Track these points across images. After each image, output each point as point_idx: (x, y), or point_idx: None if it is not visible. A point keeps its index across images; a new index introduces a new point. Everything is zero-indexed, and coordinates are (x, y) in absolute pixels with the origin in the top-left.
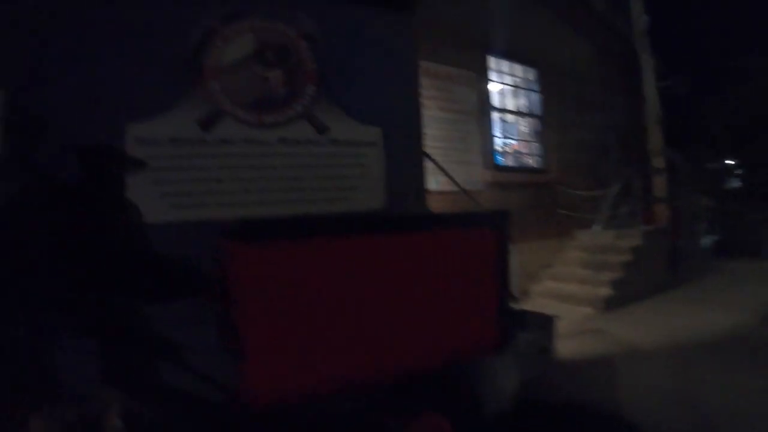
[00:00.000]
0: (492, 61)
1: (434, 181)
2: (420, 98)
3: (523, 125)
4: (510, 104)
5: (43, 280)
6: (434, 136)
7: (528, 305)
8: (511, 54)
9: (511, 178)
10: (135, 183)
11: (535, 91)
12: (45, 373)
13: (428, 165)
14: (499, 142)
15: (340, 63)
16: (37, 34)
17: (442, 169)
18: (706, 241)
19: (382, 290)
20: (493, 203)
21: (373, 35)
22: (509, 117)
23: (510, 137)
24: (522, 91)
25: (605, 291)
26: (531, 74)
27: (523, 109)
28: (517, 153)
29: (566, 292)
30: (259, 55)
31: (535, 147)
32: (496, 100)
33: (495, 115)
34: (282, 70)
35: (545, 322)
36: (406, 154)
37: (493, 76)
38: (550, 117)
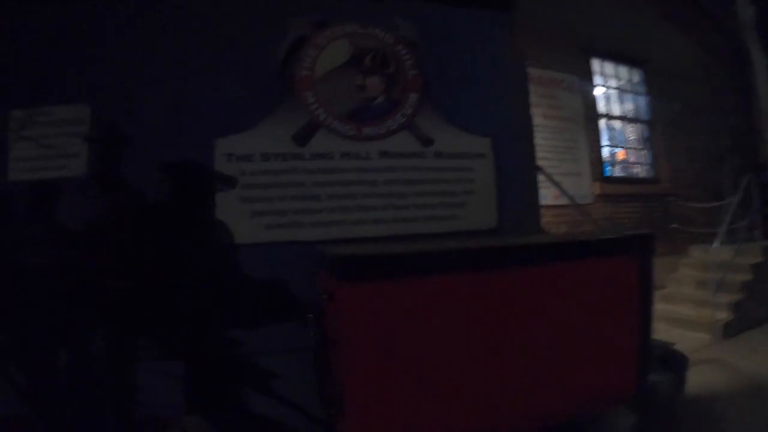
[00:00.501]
0: (595, 64)
1: (541, 195)
2: (529, 104)
3: (630, 131)
4: (615, 109)
5: (128, 300)
6: (539, 145)
7: None
8: (614, 55)
9: (619, 189)
10: (225, 201)
11: (641, 94)
12: (128, 395)
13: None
14: (606, 151)
15: (442, 68)
16: (124, 49)
17: (554, 182)
18: None
19: (506, 332)
20: (602, 218)
21: (474, 38)
22: (615, 123)
23: (617, 145)
24: (627, 95)
25: (724, 314)
26: (636, 76)
27: (629, 114)
28: (624, 162)
29: (679, 315)
30: (355, 62)
31: (644, 155)
32: (601, 106)
33: (601, 122)
34: (380, 77)
35: (678, 361)
36: (517, 166)
37: (597, 79)
38: (658, 122)
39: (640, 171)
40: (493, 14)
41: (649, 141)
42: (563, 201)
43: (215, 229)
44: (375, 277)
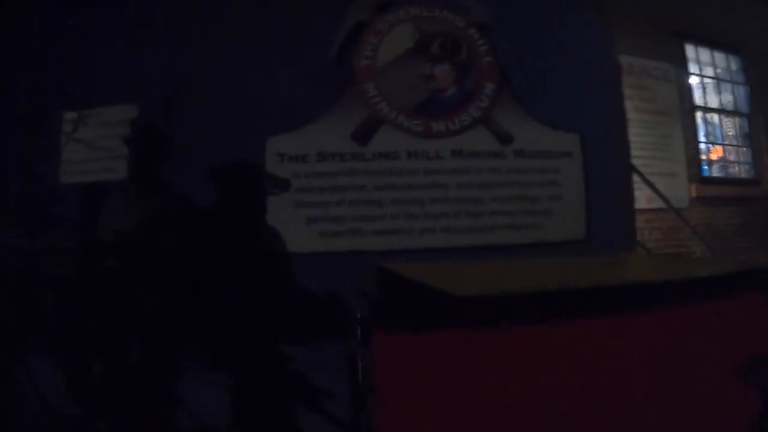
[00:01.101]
0: (689, 50)
1: None
2: (622, 95)
3: (728, 126)
4: (712, 101)
5: (176, 310)
6: (631, 142)
7: None
8: (709, 41)
9: (718, 191)
10: (277, 206)
11: (739, 83)
12: (171, 405)
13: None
14: (703, 148)
15: (521, 55)
16: (171, 43)
17: (649, 184)
18: None
19: (602, 394)
20: (699, 224)
21: (558, 20)
22: (711, 117)
23: (714, 142)
24: (725, 85)
25: None
26: (733, 63)
27: (728, 107)
28: (722, 160)
29: None
30: (422, 48)
31: (743, 152)
32: (697, 97)
33: (698, 116)
34: (451, 65)
35: None
36: (610, 166)
37: (691, 67)
38: (760, 115)
39: (739, 170)
40: None
41: (749, 136)
42: (656, 204)
43: (266, 236)
44: (421, 329)
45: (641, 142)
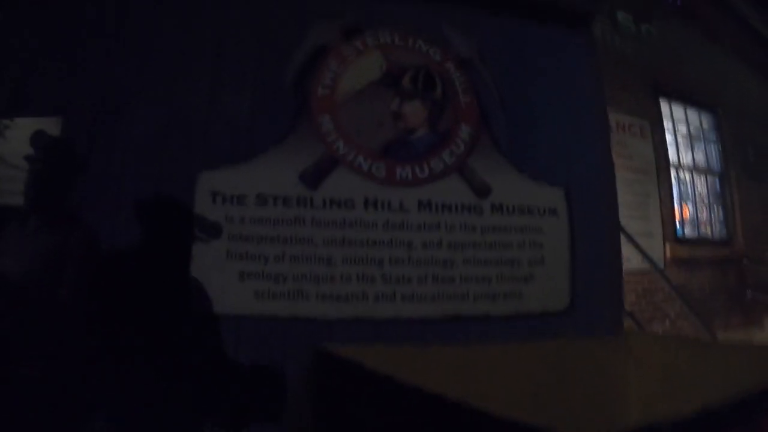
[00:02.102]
0: (665, 107)
1: None
2: (610, 148)
3: (700, 184)
4: (685, 159)
5: (69, 381)
6: None
7: None
8: (684, 98)
9: (692, 252)
10: (205, 255)
11: (711, 141)
12: None
13: None
14: (677, 207)
15: (504, 97)
16: (108, 53)
17: (636, 246)
18: None
19: None
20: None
21: (545, 60)
22: (684, 175)
23: (687, 200)
24: (698, 143)
25: None
26: (706, 121)
27: (700, 165)
28: (694, 220)
29: None
30: (391, 81)
31: (715, 211)
32: (671, 155)
33: (672, 173)
34: (423, 102)
35: None
36: (597, 225)
37: (667, 124)
38: (731, 172)
39: (712, 230)
40: (568, 33)
41: (721, 195)
42: (631, 265)
43: (188, 292)
44: None
45: (620, 201)
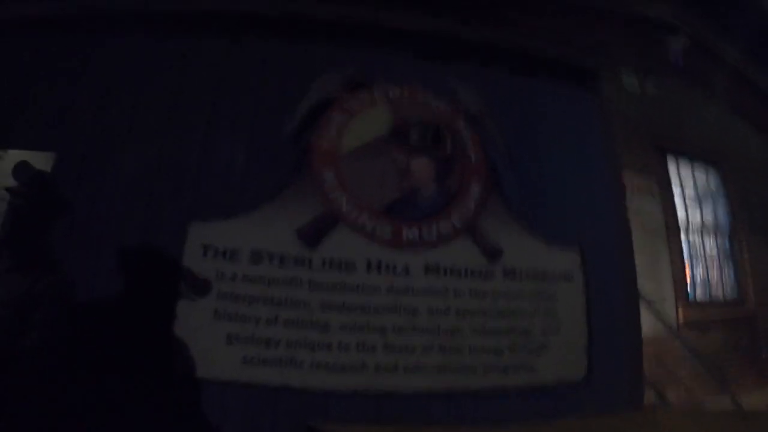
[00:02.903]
0: (671, 166)
1: None
2: (626, 209)
3: (709, 244)
4: (693, 218)
5: None
6: None
7: None
8: (690, 155)
9: (705, 314)
10: (191, 313)
11: (718, 199)
12: None
13: None
14: (687, 269)
15: (516, 155)
16: (97, 94)
17: (655, 311)
18: None
19: None
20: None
21: (557, 117)
22: (692, 235)
23: (697, 260)
24: (705, 202)
25: None
26: (712, 180)
27: (709, 224)
28: (705, 281)
29: None
30: (398, 136)
31: (726, 271)
32: (680, 214)
33: (681, 234)
34: (431, 159)
35: None
36: (614, 291)
37: (673, 183)
38: (739, 231)
39: (723, 291)
40: (577, 89)
41: (730, 255)
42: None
43: (169, 352)
44: None
45: None
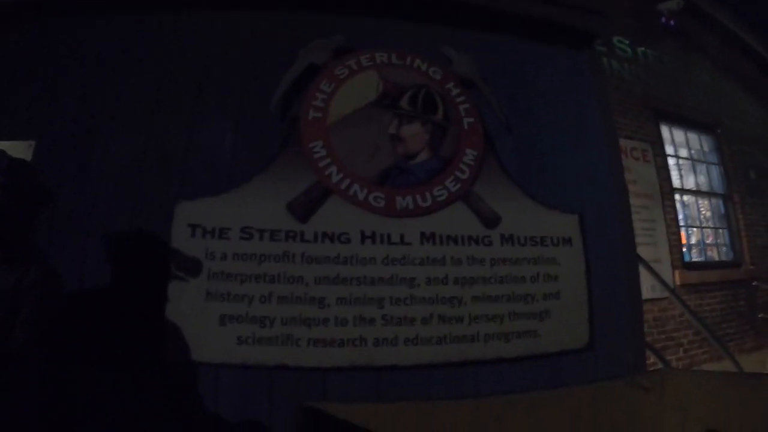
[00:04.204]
0: (665, 131)
1: None
2: (622, 170)
3: (704, 208)
4: (688, 182)
5: None
6: None
7: None
8: (685, 121)
9: (701, 277)
10: (182, 295)
11: (713, 163)
12: None
13: None
14: (683, 232)
15: (511, 119)
16: (78, 79)
17: (654, 274)
18: None
19: None
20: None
21: (553, 81)
22: (687, 198)
23: (692, 224)
24: (699, 166)
25: None
26: (707, 144)
27: (703, 188)
28: (700, 244)
29: None
30: (388, 103)
31: (720, 234)
32: (675, 179)
33: (676, 198)
34: (424, 125)
35: None
36: (614, 254)
37: (668, 148)
38: (735, 195)
39: (718, 253)
40: (571, 53)
41: (725, 217)
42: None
43: (162, 336)
44: None
45: None
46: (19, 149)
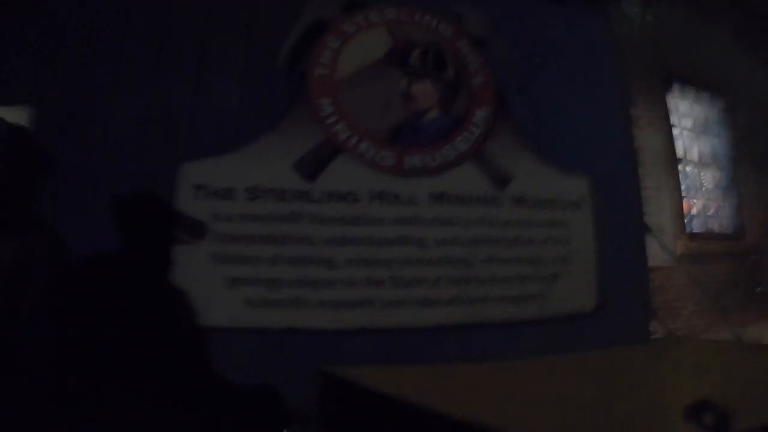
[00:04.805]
0: (671, 98)
1: None
2: (633, 134)
3: (707, 178)
4: (692, 151)
5: (35, 409)
6: None
7: None
8: (692, 86)
9: (703, 247)
10: (188, 258)
11: (717, 134)
12: None
13: None
14: (686, 201)
15: (523, 78)
16: (77, 40)
17: (659, 242)
18: None
19: None
20: (684, 284)
21: (567, 38)
22: (691, 168)
23: (695, 194)
24: (703, 134)
25: None
26: (712, 111)
27: (706, 158)
28: (704, 214)
29: None
30: (398, 59)
31: (722, 205)
32: (679, 147)
33: (680, 167)
34: (434, 83)
35: None
36: (623, 218)
37: (674, 115)
38: (740, 165)
39: (720, 225)
40: (586, 12)
41: (729, 188)
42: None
43: (169, 301)
44: None
45: None
46: (17, 115)
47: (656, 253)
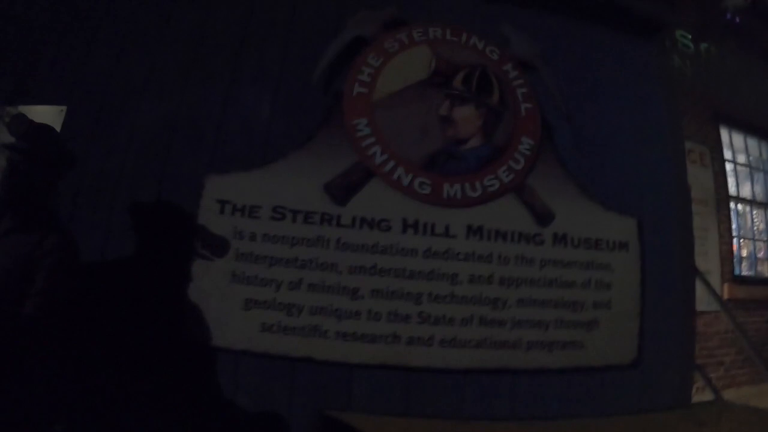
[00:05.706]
0: (724, 134)
1: None
2: (686, 175)
3: (759, 218)
4: (744, 190)
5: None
6: None
7: None
8: (743, 125)
9: (750, 292)
10: (206, 275)
11: None
12: None
13: None
14: (735, 243)
15: (572, 108)
16: (111, 44)
17: (713, 292)
18: None
19: None
20: (730, 329)
21: (617, 70)
22: (741, 207)
23: (745, 235)
24: (757, 173)
25: None
26: (766, 151)
27: (759, 197)
28: (751, 257)
29: None
30: (440, 81)
31: None
32: (731, 186)
33: (732, 206)
34: (477, 108)
35: None
36: (671, 264)
37: (726, 153)
38: None
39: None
40: (638, 41)
41: None
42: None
43: (181, 317)
44: None
45: None
46: (51, 114)
47: (700, 297)
